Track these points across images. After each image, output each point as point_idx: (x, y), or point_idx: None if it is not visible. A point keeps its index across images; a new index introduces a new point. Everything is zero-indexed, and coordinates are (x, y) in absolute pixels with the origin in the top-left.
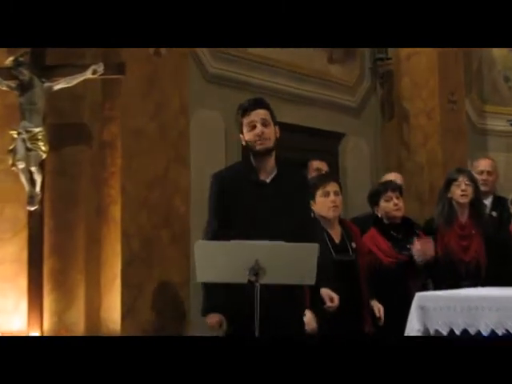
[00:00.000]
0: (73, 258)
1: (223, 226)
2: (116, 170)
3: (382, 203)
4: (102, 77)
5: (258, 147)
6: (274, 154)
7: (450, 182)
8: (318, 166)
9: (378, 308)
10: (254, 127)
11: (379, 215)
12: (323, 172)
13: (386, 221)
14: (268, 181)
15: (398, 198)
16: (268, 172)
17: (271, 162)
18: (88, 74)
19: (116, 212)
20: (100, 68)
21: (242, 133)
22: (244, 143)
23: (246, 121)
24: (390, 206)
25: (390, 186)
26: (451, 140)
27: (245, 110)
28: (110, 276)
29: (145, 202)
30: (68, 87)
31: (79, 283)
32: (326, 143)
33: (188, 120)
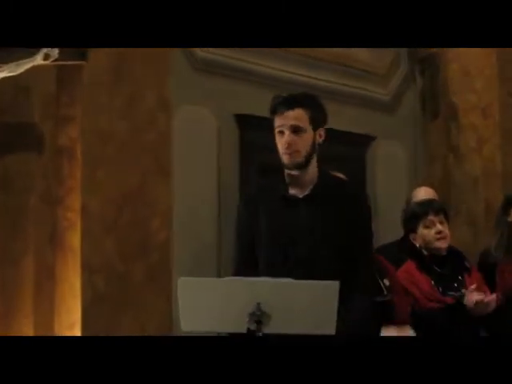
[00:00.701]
0: (19, 298)
1: (248, 265)
2: (75, 184)
3: (421, 230)
4: (56, 63)
5: (286, 161)
6: (313, 164)
7: (509, 202)
8: None
9: None
10: (281, 134)
11: (417, 245)
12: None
13: (425, 252)
14: (301, 196)
15: (442, 223)
16: (304, 185)
17: (309, 174)
18: (38, 60)
19: (75, 239)
20: (54, 52)
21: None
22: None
23: (275, 123)
24: (432, 234)
25: (432, 206)
26: None
27: (274, 109)
28: (67, 322)
29: (113, 226)
30: (12, 76)
31: (26, 330)
32: (350, 149)
33: (169, 119)
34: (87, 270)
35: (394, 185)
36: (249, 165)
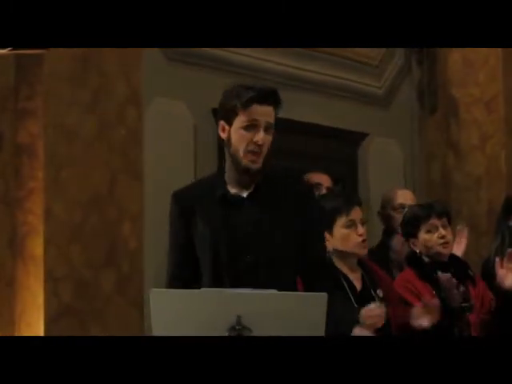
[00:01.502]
0: None
1: (183, 269)
2: (36, 186)
3: (423, 234)
4: (15, 52)
5: (246, 162)
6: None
7: (511, 205)
8: (316, 180)
9: None
10: (253, 128)
11: (417, 251)
12: (323, 189)
13: (426, 259)
14: (245, 195)
15: (445, 227)
16: (247, 184)
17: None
18: None
19: (37, 246)
20: None
21: (228, 124)
22: (225, 141)
23: (243, 115)
24: (434, 238)
25: (435, 210)
26: None
27: (249, 100)
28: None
29: (79, 231)
30: None
31: None
32: (341, 146)
33: (140, 113)
34: (51, 279)
35: (389, 186)
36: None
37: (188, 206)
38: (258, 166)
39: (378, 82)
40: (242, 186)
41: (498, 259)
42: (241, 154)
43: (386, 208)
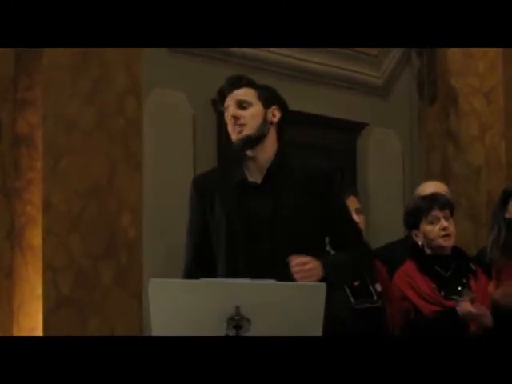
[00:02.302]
0: None
1: (202, 257)
2: (35, 176)
3: (425, 226)
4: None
5: (233, 138)
6: (268, 144)
7: (508, 197)
8: None
9: None
10: (228, 111)
11: (419, 243)
12: None
13: (428, 251)
14: (259, 181)
15: (447, 219)
16: (262, 169)
17: (265, 155)
18: None
19: (35, 237)
20: None
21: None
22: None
23: (224, 104)
24: (436, 230)
25: (437, 201)
26: None
27: (220, 97)
28: (27, 327)
29: (78, 222)
30: None
31: None
32: (340, 137)
33: (140, 104)
34: (50, 269)
35: (388, 177)
36: (227, 153)
37: (207, 191)
38: (244, 134)
39: (377, 72)
40: (256, 170)
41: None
42: (231, 135)
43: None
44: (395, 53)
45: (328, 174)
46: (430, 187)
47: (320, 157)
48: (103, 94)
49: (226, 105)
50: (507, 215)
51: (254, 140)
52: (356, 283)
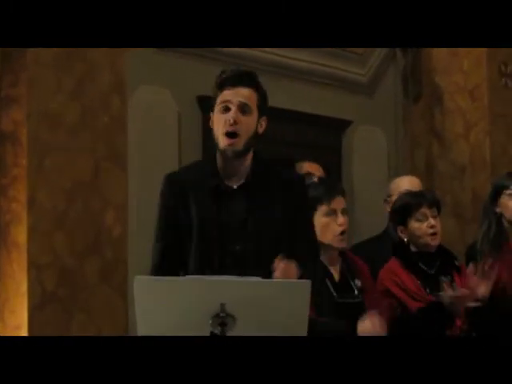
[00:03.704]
0: None
1: (171, 256)
2: (20, 173)
3: (413, 223)
4: None
5: (223, 146)
6: (250, 153)
7: (499, 191)
8: (308, 169)
9: None
10: (227, 110)
11: (404, 239)
12: (315, 179)
13: (413, 248)
14: (236, 186)
15: (435, 217)
16: (239, 175)
17: (245, 162)
18: None
19: (20, 234)
20: None
21: (212, 111)
22: (213, 130)
23: (219, 98)
24: (424, 228)
25: (426, 199)
26: (504, 130)
27: (222, 83)
28: (12, 325)
29: (63, 219)
30: None
31: None
32: (324, 135)
33: (125, 101)
34: (34, 267)
35: (373, 174)
36: (213, 151)
37: (180, 189)
38: (236, 148)
39: (362, 70)
40: (233, 175)
41: (471, 265)
42: (219, 137)
43: (393, 195)
44: (380, 51)
45: (300, 187)
46: (404, 183)
47: (305, 154)
48: (88, 92)
49: (224, 99)
50: (497, 210)
51: (243, 153)
52: (336, 278)
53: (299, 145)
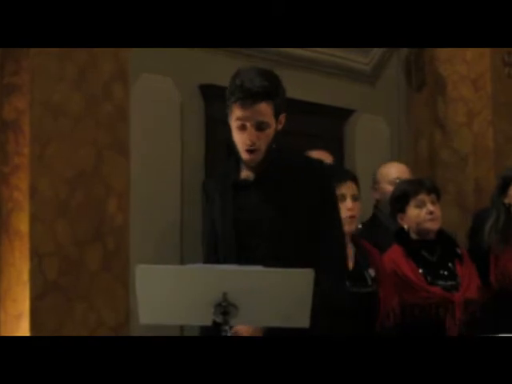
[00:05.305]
0: None
1: (210, 255)
2: (22, 162)
3: (411, 210)
4: None
5: (245, 159)
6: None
7: (507, 182)
8: (318, 157)
9: None
10: (244, 129)
11: (405, 227)
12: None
13: (414, 236)
14: (252, 179)
15: (433, 203)
16: (255, 167)
17: (262, 155)
18: None
19: (22, 222)
20: None
21: (230, 114)
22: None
23: (235, 112)
24: (423, 214)
25: (424, 186)
26: (507, 119)
27: (236, 98)
28: (13, 314)
29: (65, 207)
30: None
31: None
32: (326, 123)
33: (127, 89)
34: (36, 255)
35: (376, 163)
36: (215, 140)
37: (210, 192)
38: (256, 160)
39: (365, 59)
40: (251, 170)
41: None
42: (240, 150)
43: (382, 182)
44: None
45: (324, 181)
46: (392, 170)
47: (308, 143)
48: (90, 80)
49: (240, 116)
50: (506, 200)
51: (264, 159)
52: (350, 266)
53: (301, 134)
